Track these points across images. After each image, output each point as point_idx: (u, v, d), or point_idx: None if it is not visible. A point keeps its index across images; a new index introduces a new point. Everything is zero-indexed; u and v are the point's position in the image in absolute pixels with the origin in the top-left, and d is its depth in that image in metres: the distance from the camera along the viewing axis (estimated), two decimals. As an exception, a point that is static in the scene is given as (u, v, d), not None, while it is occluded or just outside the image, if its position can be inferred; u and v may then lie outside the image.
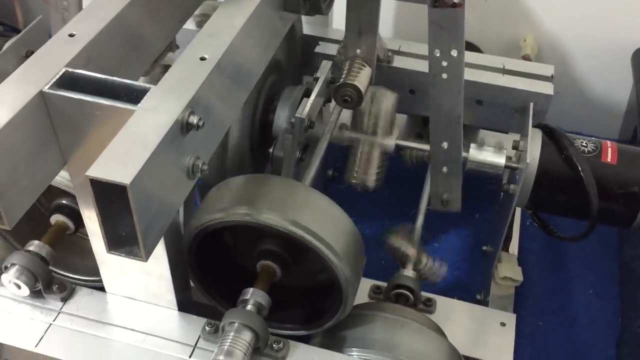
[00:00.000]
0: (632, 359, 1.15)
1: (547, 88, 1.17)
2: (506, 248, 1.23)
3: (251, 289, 0.82)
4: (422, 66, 1.18)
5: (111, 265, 0.84)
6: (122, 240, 0.63)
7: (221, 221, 0.81)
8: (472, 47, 1.53)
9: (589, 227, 1.03)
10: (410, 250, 1.05)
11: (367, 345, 0.88)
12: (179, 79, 0.68)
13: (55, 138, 0.68)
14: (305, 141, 1.10)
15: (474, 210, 1.40)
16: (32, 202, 0.67)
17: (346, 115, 1.16)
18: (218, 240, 0.92)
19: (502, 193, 1.14)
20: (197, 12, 1.03)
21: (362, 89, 1.04)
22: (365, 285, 1.14)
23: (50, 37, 0.74)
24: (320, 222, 0.81)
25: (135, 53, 0.82)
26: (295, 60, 1.28)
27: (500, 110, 1.20)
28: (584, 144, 1.05)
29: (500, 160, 1.08)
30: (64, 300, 0.87)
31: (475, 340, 1.08)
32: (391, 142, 1.13)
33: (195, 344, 0.82)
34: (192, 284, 0.91)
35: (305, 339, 0.89)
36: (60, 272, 0.98)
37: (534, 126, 1.08)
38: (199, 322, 0.84)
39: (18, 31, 0.84)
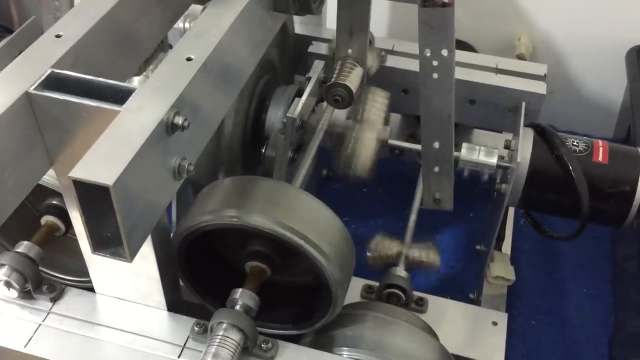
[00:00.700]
0: (625, 358, 1.15)
1: (540, 87, 1.17)
2: (499, 247, 1.22)
3: (240, 290, 0.82)
4: (416, 66, 1.16)
5: (100, 265, 0.85)
6: (107, 241, 0.63)
7: (210, 223, 0.81)
8: (466, 46, 1.52)
9: (579, 227, 1.03)
10: (398, 250, 1.05)
11: (357, 345, 0.88)
12: (164, 79, 0.68)
13: (41, 139, 0.68)
14: (298, 141, 1.10)
15: (468, 209, 1.40)
16: (19, 202, 0.67)
17: (339, 115, 1.16)
18: (208, 241, 0.92)
19: (495, 192, 1.15)
20: (188, 12, 1.03)
21: (354, 89, 1.04)
22: (357, 284, 1.14)
23: (42, 37, 0.74)
24: (309, 224, 0.81)
25: (125, 53, 0.81)
26: (288, 60, 1.28)
27: (493, 109, 1.21)
28: (575, 143, 1.05)
29: (492, 159, 1.08)
30: (54, 300, 0.87)
31: (466, 339, 1.08)
32: (386, 133, 1.12)
33: (184, 344, 0.82)
34: (182, 284, 0.91)
35: (296, 339, 0.89)
36: (51, 273, 0.99)
37: (525, 125, 1.08)
38: (188, 322, 0.84)
39: (12, 32, 0.84)
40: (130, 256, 0.63)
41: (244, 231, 0.81)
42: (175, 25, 0.80)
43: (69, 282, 0.96)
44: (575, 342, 1.21)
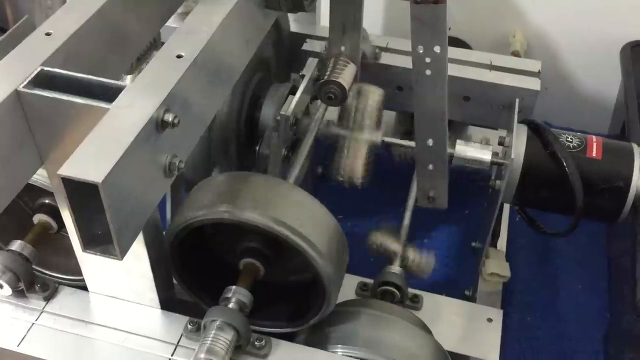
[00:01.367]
0: (620, 354, 1.15)
1: (534, 84, 1.17)
2: (494, 244, 1.22)
3: (233, 287, 0.82)
4: (410, 63, 1.17)
5: (92, 264, 0.84)
6: (98, 238, 0.63)
7: (203, 219, 0.81)
8: (461, 43, 1.52)
9: (574, 223, 1.02)
10: (396, 247, 1.05)
11: (351, 343, 0.88)
12: (154, 77, 0.68)
13: (31, 137, 0.67)
14: (292, 139, 1.10)
15: (463, 206, 1.40)
16: (9, 201, 0.67)
17: (334, 112, 1.15)
18: (201, 238, 0.92)
19: (489, 189, 1.14)
20: (180, 10, 1.03)
21: (346, 86, 1.04)
22: (352, 282, 1.14)
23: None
24: (302, 220, 0.81)
25: (116, 51, 0.81)
26: (282, 58, 1.28)
27: (488, 106, 1.20)
28: (569, 139, 1.04)
29: (486, 156, 1.08)
30: (47, 299, 0.87)
31: (461, 336, 1.08)
32: (378, 137, 1.13)
33: (178, 342, 0.82)
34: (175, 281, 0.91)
35: (291, 337, 0.89)
36: (45, 271, 0.98)
37: (519, 122, 1.08)
38: (182, 320, 0.84)
39: (6, 32, 0.84)
40: (121, 254, 0.62)
41: (237, 228, 0.81)
42: (175, 26, 0.80)
43: (62, 281, 0.96)
44: (570, 338, 1.21)
